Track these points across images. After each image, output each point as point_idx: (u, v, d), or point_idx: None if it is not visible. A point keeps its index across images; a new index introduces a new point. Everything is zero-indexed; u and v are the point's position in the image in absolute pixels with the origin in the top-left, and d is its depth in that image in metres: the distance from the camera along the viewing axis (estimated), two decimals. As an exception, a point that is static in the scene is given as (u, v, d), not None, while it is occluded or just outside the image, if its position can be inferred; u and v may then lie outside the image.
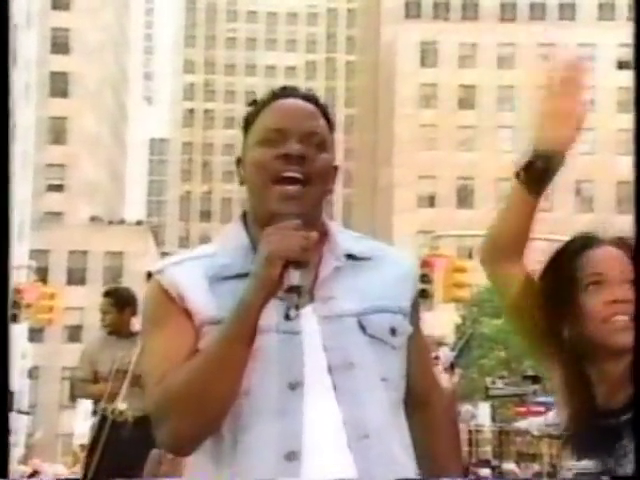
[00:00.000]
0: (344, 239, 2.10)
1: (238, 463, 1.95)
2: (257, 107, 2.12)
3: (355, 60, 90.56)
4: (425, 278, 20.29)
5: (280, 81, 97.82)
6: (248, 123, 2.12)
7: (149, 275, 2.07)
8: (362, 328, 2.01)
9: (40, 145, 54.88)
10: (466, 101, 64.67)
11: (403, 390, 2.08)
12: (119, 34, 73.91)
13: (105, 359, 6.44)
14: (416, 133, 63.07)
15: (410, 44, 64.78)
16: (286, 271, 1.89)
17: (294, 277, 1.89)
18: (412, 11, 68.90)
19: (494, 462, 31.93)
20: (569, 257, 2.27)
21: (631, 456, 2.18)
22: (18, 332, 36.17)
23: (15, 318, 22.48)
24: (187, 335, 1.98)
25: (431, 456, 2.11)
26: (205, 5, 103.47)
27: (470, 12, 69.34)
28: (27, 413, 43.73)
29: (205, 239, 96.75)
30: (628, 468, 2.17)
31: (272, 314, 1.95)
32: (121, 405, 6.21)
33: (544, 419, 26.04)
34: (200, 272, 2.03)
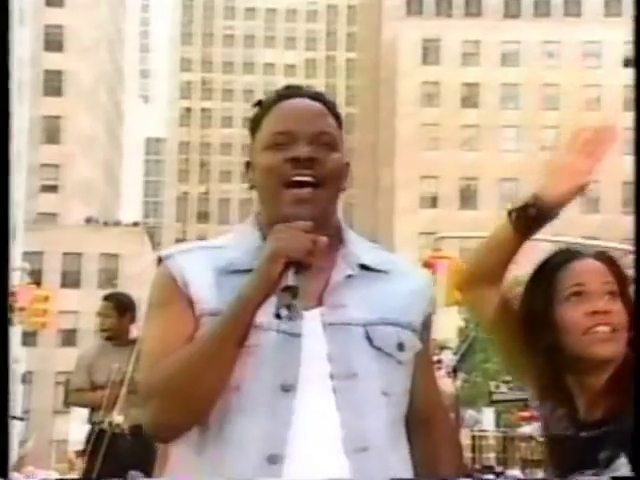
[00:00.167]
0: (360, 248, 2.11)
1: (220, 458, 1.96)
2: (262, 109, 2.12)
3: (356, 58, 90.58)
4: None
5: (279, 79, 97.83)
6: (254, 126, 2.12)
7: (159, 260, 2.09)
8: (369, 339, 2.02)
9: (34, 145, 54.88)
10: (469, 99, 64.68)
11: (405, 406, 2.08)
12: (114, 31, 73.91)
13: (102, 367, 6.43)
14: (418, 132, 63.08)
15: (412, 41, 64.79)
16: (287, 271, 1.90)
17: (291, 277, 1.90)
18: (414, 7, 68.92)
19: (498, 468, 31.95)
20: (551, 269, 2.34)
21: (613, 467, 2.21)
22: (11, 336, 36.11)
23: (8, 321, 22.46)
24: (187, 322, 2.00)
25: (433, 474, 2.12)
26: (202, 2, 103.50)
27: (473, 8, 69.36)
28: (21, 419, 43.70)
29: (202, 240, 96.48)
30: None
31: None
32: (117, 418, 6.19)
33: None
34: (208, 263, 2.04)
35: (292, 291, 1.90)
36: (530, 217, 2.26)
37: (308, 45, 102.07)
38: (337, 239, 2.09)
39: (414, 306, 2.10)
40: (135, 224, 63.69)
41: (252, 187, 2.11)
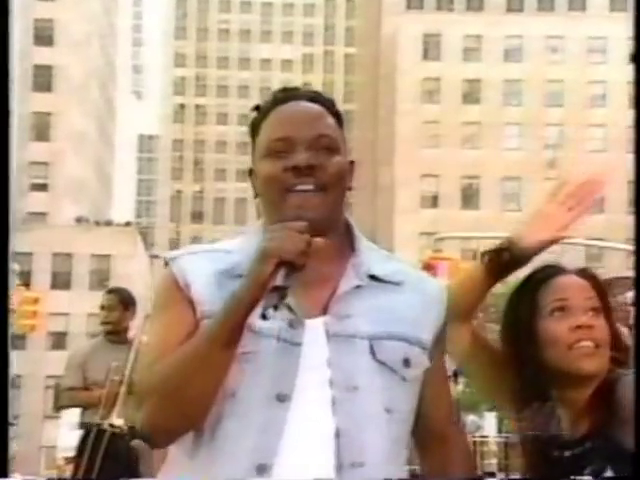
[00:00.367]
0: (372, 258, 2.10)
1: (211, 463, 1.97)
2: (260, 114, 2.12)
3: (354, 53, 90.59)
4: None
5: (276, 75, 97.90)
6: (253, 132, 2.12)
7: (165, 263, 2.12)
8: (373, 353, 2.01)
9: (23, 142, 54.86)
10: (471, 96, 64.70)
11: (410, 425, 2.07)
12: (106, 25, 73.89)
13: (97, 365, 6.42)
14: (418, 130, 63.09)
15: (412, 36, 64.81)
16: (278, 271, 1.90)
17: (280, 277, 1.89)
18: (414, 2, 68.93)
19: (500, 475, 31.95)
20: (535, 284, 2.40)
21: None
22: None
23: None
24: (187, 324, 2.01)
25: None
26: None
27: (475, 3, 69.38)
28: (11, 424, 43.72)
29: (197, 241, 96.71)
30: None
31: (276, 320, 1.95)
32: (117, 421, 6.18)
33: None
34: (212, 265, 2.05)
35: (280, 291, 1.89)
36: (503, 262, 2.31)
37: (305, 40, 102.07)
38: (349, 247, 2.09)
39: (425, 321, 2.08)
40: (127, 224, 63.66)
41: (256, 195, 2.11)
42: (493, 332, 2.46)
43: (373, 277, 2.07)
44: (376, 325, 2.02)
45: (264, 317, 1.89)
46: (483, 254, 2.33)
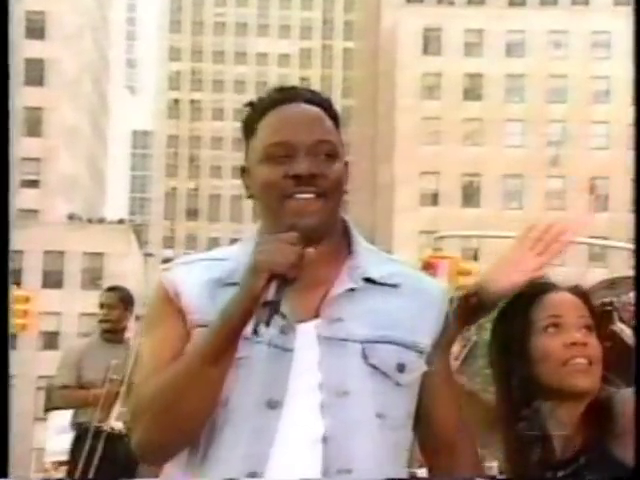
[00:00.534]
0: (370, 261, 2.09)
1: (206, 473, 1.98)
2: (256, 113, 2.11)
3: (353, 47, 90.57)
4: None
5: (272, 70, 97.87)
6: (248, 131, 2.11)
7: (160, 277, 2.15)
8: (365, 357, 2.00)
9: (14, 137, 54.75)
10: (472, 92, 64.71)
11: (407, 431, 2.07)
12: (99, 18, 73.84)
13: (93, 364, 6.40)
14: (418, 126, 63.10)
15: (412, 30, 64.81)
16: (270, 284, 1.90)
17: (272, 291, 1.89)
18: (414, -5, 68.94)
19: (500, 477, 32.08)
20: (527, 300, 2.42)
21: None
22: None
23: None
24: (179, 337, 2.01)
25: None
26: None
27: (476, -4, 69.39)
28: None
29: (192, 239, 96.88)
30: None
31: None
32: (116, 424, 6.16)
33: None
34: (205, 274, 2.06)
35: (272, 306, 1.89)
36: (471, 307, 2.33)
37: (303, 34, 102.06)
38: (346, 249, 2.09)
39: (422, 324, 2.07)
40: (121, 221, 63.66)
41: (250, 196, 2.11)
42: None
43: (369, 280, 2.06)
44: (370, 329, 2.01)
45: (256, 333, 1.89)
46: (451, 299, 2.32)
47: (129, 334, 6.58)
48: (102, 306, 6.73)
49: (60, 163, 61.18)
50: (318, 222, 2.00)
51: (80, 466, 6.32)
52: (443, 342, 2.12)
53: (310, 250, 1.93)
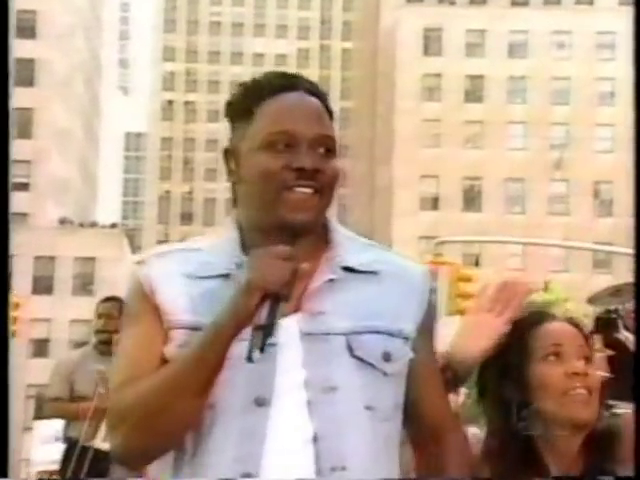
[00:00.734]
0: (348, 249, 2.08)
1: (197, 476, 1.97)
2: (252, 97, 2.08)
3: (352, 48, 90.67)
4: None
5: (269, 70, 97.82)
6: (241, 113, 2.08)
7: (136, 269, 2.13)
8: (350, 349, 2.00)
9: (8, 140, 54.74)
10: (473, 93, 64.78)
11: (397, 422, 2.07)
12: (91, 17, 73.87)
13: (86, 376, 6.38)
14: (418, 128, 63.15)
15: (412, 30, 64.89)
16: (263, 303, 1.89)
17: (264, 313, 1.88)
18: (414, -6, 69.04)
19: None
20: (527, 328, 2.46)
21: None
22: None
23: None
24: (156, 337, 2.01)
25: None
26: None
27: (478, -4, 69.50)
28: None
29: (182, 242, 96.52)
30: None
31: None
32: (103, 445, 6.12)
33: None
34: (179, 267, 2.04)
35: (266, 331, 1.88)
36: (446, 380, 2.33)
37: (301, 34, 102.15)
38: (324, 241, 2.08)
39: (406, 310, 2.07)
40: (113, 225, 63.64)
41: (234, 181, 2.09)
42: None
43: (348, 269, 2.05)
44: (352, 320, 2.01)
45: (250, 360, 1.89)
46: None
47: None
48: (100, 316, 6.68)
49: (51, 165, 61.17)
50: (312, 219, 2.01)
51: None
52: (427, 327, 2.11)
53: (304, 265, 1.93)
